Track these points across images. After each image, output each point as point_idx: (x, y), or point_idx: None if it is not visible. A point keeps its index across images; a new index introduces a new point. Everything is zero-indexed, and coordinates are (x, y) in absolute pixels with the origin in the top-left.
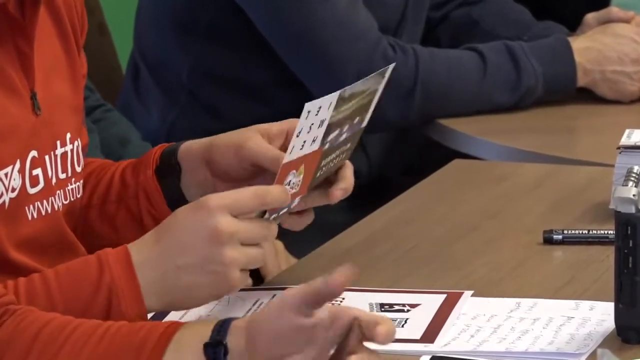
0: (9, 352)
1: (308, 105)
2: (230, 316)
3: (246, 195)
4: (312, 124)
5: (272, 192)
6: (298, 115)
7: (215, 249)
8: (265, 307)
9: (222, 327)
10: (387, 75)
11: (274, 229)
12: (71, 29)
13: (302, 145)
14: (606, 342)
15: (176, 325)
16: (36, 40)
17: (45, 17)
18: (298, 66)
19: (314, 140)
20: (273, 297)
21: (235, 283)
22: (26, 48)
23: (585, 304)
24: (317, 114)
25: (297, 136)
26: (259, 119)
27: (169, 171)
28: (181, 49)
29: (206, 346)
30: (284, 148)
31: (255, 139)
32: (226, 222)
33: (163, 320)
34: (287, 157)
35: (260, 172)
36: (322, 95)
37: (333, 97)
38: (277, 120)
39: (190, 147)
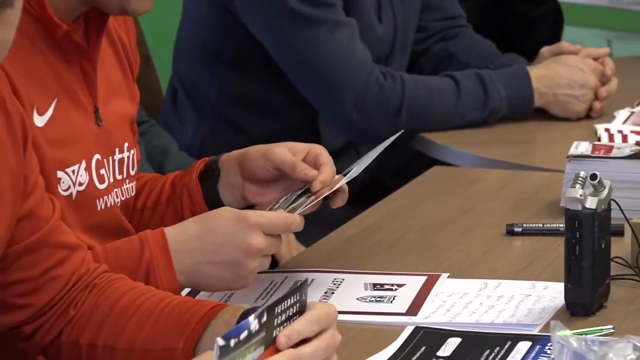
0: (90, 323)
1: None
2: (249, 296)
3: (278, 219)
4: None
5: (296, 221)
6: (305, 129)
7: (244, 258)
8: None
9: (244, 317)
10: (391, 139)
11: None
12: (127, 62)
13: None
14: (557, 315)
15: (214, 310)
16: (98, 64)
17: (106, 47)
18: (306, 90)
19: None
20: (285, 278)
21: (249, 284)
22: (90, 70)
23: (540, 284)
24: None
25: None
26: (273, 132)
27: (210, 175)
28: (211, 76)
29: None
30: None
31: (280, 148)
32: (258, 240)
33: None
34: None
35: (280, 177)
36: (326, 114)
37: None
38: (288, 134)
39: (229, 155)
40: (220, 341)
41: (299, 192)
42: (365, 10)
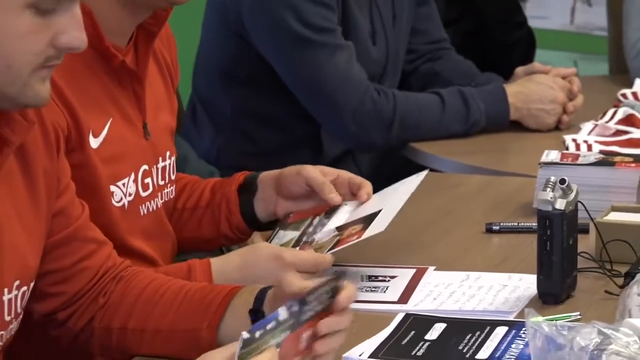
0: (120, 309)
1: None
2: None
3: (310, 259)
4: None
5: (325, 261)
6: (309, 140)
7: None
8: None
9: (260, 296)
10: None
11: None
12: (169, 76)
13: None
14: (531, 303)
15: (234, 291)
16: (146, 83)
17: (152, 66)
18: (310, 105)
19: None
20: None
21: None
22: (140, 91)
23: (516, 276)
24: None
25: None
26: (281, 142)
27: (248, 189)
28: (226, 93)
29: (250, 312)
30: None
31: (312, 167)
32: (291, 277)
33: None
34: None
35: (311, 194)
36: (327, 127)
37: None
38: (294, 144)
39: (268, 174)
40: (245, 334)
41: (323, 216)
42: (361, 35)
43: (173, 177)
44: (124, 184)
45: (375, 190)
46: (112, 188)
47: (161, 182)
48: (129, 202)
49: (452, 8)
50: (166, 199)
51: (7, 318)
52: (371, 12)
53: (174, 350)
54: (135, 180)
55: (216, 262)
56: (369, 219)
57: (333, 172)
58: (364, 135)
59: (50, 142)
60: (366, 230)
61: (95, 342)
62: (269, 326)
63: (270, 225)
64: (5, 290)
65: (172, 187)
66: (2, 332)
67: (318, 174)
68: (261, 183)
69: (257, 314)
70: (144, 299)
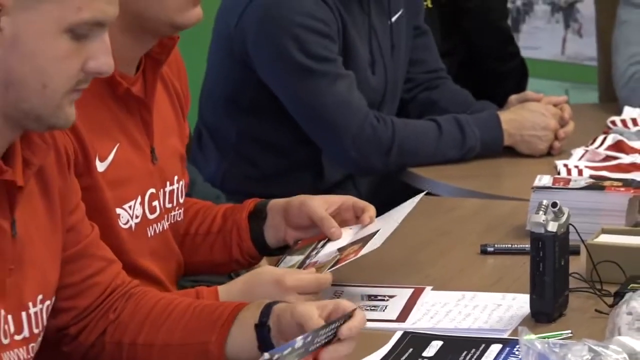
0: (131, 325)
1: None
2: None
3: (311, 281)
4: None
5: (327, 280)
6: (310, 165)
7: None
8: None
9: (266, 310)
10: (416, 201)
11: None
12: (179, 104)
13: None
14: (524, 322)
15: (240, 306)
16: (154, 109)
17: (161, 93)
18: (311, 132)
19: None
20: None
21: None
22: (148, 117)
23: (510, 296)
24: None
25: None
26: (283, 167)
27: (258, 216)
28: (231, 120)
29: (256, 326)
30: (336, 211)
31: (314, 200)
32: (293, 300)
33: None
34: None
35: (316, 226)
36: (328, 152)
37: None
38: (296, 169)
39: (276, 202)
40: (267, 355)
41: (327, 240)
42: (361, 65)
43: (181, 201)
44: (130, 207)
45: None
46: (119, 210)
47: (168, 205)
48: (135, 224)
49: (447, 40)
50: (173, 222)
51: (36, 330)
52: (370, 42)
53: None
54: (142, 203)
55: (222, 289)
56: (367, 239)
57: (337, 199)
58: (363, 160)
59: (62, 163)
60: (363, 248)
61: (106, 357)
62: (285, 352)
63: (280, 250)
64: (30, 304)
65: (180, 210)
66: (33, 344)
67: (319, 207)
68: (270, 211)
69: (262, 328)
70: (154, 315)
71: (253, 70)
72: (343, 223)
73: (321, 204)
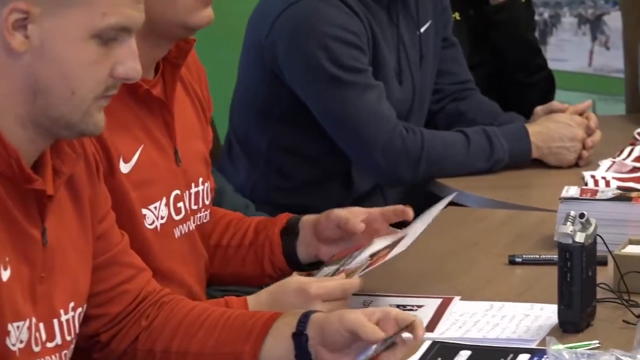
0: (164, 332)
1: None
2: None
3: (335, 287)
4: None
5: (353, 284)
6: (340, 175)
7: None
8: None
9: (304, 319)
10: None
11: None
12: (200, 105)
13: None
14: (552, 332)
15: (276, 316)
16: (176, 111)
17: (183, 96)
18: (341, 142)
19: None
20: None
21: None
22: (169, 119)
23: (538, 306)
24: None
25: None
26: (313, 177)
27: (290, 232)
28: (262, 130)
29: (293, 335)
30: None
31: (340, 210)
32: (319, 307)
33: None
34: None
35: (346, 236)
36: (358, 162)
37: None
38: (326, 179)
39: (308, 219)
40: None
41: (362, 252)
42: (387, 75)
43: (207, 202)
44: (155, 207)
45: (400, 226)
46: (144, 211)
47: (194, 207)
48: (161, 224)
49: (476, 53)
50: (199, 223)
51: (68, 338)
52: (399, 52)
53: None
54: (167, 204)
55: (251, 299)
56: (396, 243)
57: (363, 211)
58: (392, 171)
59: (92, 172)
60: (391, 252)
61: None
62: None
63: (311, 266)
64: (62, 311)
65: (206, 212)
66: (66, 352)
67: (344, 212)
68: (302, 228)
69: (300, 337)
70: (187, 322)
71: (284, 81)
72: (374, 232)
73: (346, 212)
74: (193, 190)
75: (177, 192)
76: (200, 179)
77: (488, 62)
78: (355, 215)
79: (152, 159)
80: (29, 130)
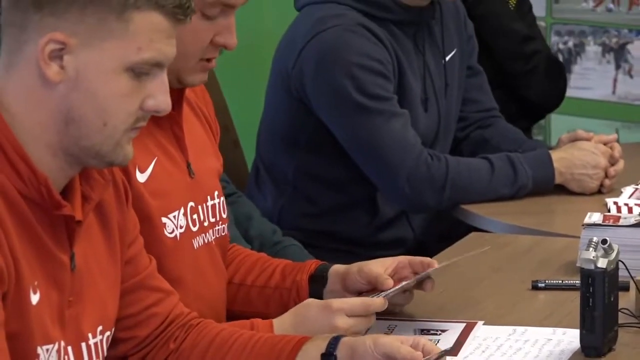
0: (192, 355)
1: None
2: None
3: (357, 303)
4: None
5: (375, 303)
6: (365, 202)
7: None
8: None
9: (334, 342)
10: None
11: (372, 320)
12: (208, 126)
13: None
14: (574, 356)
15: (304, 339)
16: (185, 128)
17: (190, 115)
18: (366, 169)
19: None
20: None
21: None
22: (179, 132)
23: (560, 331)
24: None
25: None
26: (339, 204)
27: (318, 280)
28: (288, 157)
29: (322, 356)
30: (394, 271)
31: (371, 263)
32: (342, 321)
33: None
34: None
35: (373, 290)
36: (383, 189)
37: None
38: (352, 205)
39: (337, 268)
40: None
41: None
42: (413, 102)
43: (224, 216)
44: (174, 217)
45: (422, 254)
46: (164, 220)
47: (212, 219)
48: (180, 233)
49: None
50: (218, 236)
51: None
52: (424, 81)
53: None
54: (185, 214)
55: (276, 321)
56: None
57: (392, 261)
58: (417, 197)
59: (121, 197)
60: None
61: None
62: None
63: None
64: (90, 335)
65: (223, 225)
66: None
67: (375, 266)
68: (331, 276)
69: (329, 358)
70: (215, 345)
71: (310, 109)
72: (401, 279)
73: (378, 266)
74: (209, 203)
75: (192, 204)
76: (216, 192)
77: (486, 68)
78: (385, 268)
79: (167, 171)
80: (60, 158)
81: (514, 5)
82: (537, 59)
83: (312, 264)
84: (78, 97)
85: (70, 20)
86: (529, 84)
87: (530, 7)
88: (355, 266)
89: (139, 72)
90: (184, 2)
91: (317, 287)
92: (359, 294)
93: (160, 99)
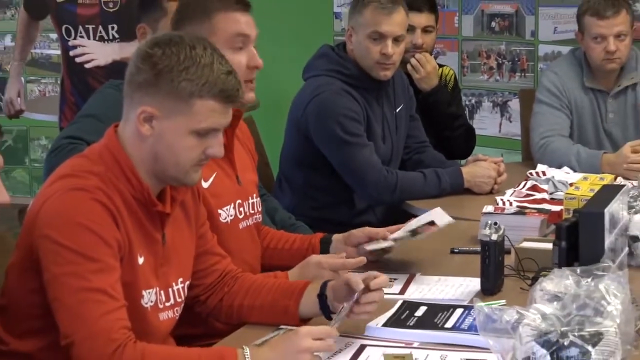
0: (239, 294)
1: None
2: None
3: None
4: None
5: (351, 262)
6: (347, 201)
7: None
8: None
9: (323, 286)
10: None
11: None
12: (252, 156)
13: None
14: (477, 295)
15: (307, 284)
16: (235, 155)
17: (239, 147)
18: (348, 179)
19: None
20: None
21: None
22: (231, 157)
23: (468, 279)
24: None
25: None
26: (330, 202)
27: (326, 241)
28: (298, 172)
29: (318, 296)
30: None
31: (366, 230)
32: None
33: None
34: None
35: (369, 241)
36: (359, 193)
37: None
38: (338, 203)
39: (336, 235)
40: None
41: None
42: (376, 138)
43: (260, 209)
44: (226, 209)
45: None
46: (220, 211)
47: (252, 211)
48: (231, 220)
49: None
50: (255, 222)
51: (179, 300)
52: (383, 124)
53: (270, 320)
54: (234, 208)
55: (289, 273)
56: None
57: (376, 231)
58: (379, 197)
59: (195, 197)
60: (435, 226)
61: (222, 314)
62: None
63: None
64: (174, 284)
65: (259, 215)
66: (178, 308)
67: (354, 278)
68: (333, 240)
69: (322, 296)
70: (253, 288)
71: (313, 142)
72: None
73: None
74: (250, 201)
75: (239, 201)
76: (254, 194)
77: (428, 130)
78: (369, 233)
79: (222, 180)
80: (153, 178)
81: (450, 89)
82: (460, 129)
83: (320, 234)
84: (161, 146)
85: (157, 100)
86: (454, 143)
87: (459, 90)
88: (356, 230)
89: (201, 133)
90: (233, 94)
91: (324, 247)
92: (357, 245)
93: (216, 149)
